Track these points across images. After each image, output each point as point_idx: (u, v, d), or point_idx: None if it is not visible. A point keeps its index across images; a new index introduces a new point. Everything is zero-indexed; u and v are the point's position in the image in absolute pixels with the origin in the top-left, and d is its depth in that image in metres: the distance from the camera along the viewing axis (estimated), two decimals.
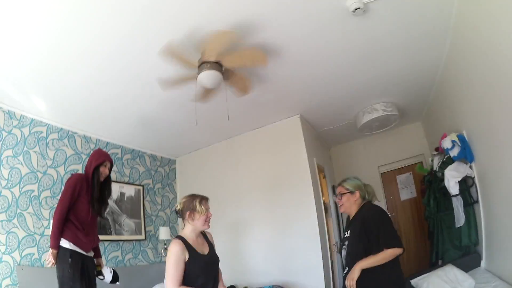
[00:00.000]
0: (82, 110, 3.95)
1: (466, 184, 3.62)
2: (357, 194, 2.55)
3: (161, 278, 4.72)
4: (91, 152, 4.32)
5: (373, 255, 2.25)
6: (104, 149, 4.58)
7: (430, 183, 4.35)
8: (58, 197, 3.68)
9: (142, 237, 4.93)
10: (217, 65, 3.11)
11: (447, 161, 3.86)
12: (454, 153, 3.66)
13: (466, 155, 3.50)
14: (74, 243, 2.79)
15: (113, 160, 4.70)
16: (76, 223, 2.86)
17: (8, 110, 3.69)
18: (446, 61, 3.80)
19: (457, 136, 3.62)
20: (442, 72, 4.06)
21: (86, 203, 2.94)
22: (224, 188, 5.36)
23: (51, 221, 3.48)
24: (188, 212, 2.37)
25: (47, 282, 3.34)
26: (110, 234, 4.45)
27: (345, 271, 2.43)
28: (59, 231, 2.75)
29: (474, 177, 3.47)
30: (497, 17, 2.36)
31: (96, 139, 4.62)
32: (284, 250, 4.65)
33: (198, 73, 3.13)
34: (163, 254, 5.08)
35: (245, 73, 3.40)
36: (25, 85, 3.36)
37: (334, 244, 5.18)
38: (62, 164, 4.09)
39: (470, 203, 3.60)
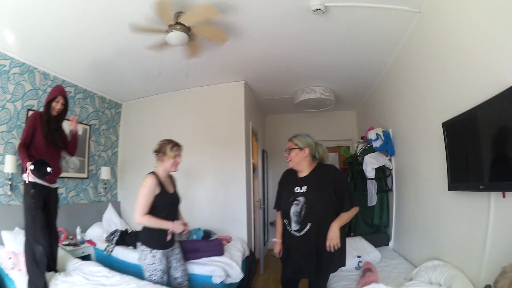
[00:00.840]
0: (48, 47, 3.72)
1: (384, 173, 4.16)
2: (306, 150, 2.48)
3: (99, 218, 4.85)
4: (47, 88, 4.21)
5: (344, 213, 2.36)
6: None
7: (351, 164, 4.86)
8: (14, 132, 3.77)
9: (85, 175, 4.88)
10: (184, 27, 3.13)
11: (368, 150, 4.38)
12: (376, 144, 4.16)
13: (388, 149, 4.02)
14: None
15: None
16: (36, 156, 2.98)
17: None
18: (388, 69, 4.22)
19: (383, 131, 4.11)
20: (382, 77, 4.51)
21: (41, 136, 3.05)
22: (165, 137, 5.33)
23: (7, 156, 3.58)
24: (160, 154, 2.72)
25: (0, 220, 3.39)
26: None
27: (298, 227, 2.42)
28: (24, 152, 2.92)
29: (391, 169, 4.00)
30: (436, 56, 2.80)
31: (54, 76, 4.35)
32: (219, 200, 4.92)
33: (167, 33, 3.15)
34: (102, 194, 5.11)
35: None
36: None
37: (257, 201, 5.64)
38: (20, 99, 3.87)
39: (385, 190, 4.17)
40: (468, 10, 2.25)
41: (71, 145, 3.45)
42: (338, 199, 2.39)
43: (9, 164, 3.53)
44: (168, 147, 2.72)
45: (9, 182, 3.57)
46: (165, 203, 2.65)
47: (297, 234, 2.42)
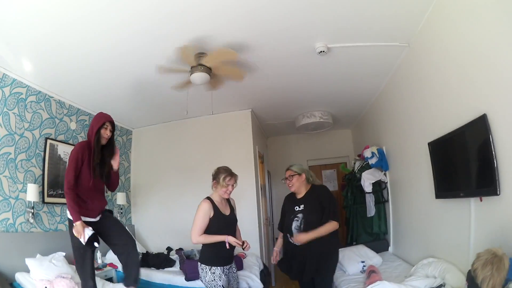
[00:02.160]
0: (65, 78, 3.88)
1: (380, 186, 4.58)
2: (303, 176, 2.93)
3: None
4: (63, 117, 4.28)
5: (321, 227, 2.72)
6: (74, 116, 4.53)
7: (350, 180, 5.28)
8: (33, 160, 3.76)
9: None
10: (206, 67, 3.48)
11: (365, 167, 4.81)
12: (372, 161, 4.59)
13: (382, 165, 4.44)
14: (81, 215, 2.78)
15: (81, 126, 4.64)
16: (79, 193, 2.81)
17: None
18: (380, 94, 4.68)
19: (377, 149, 4.54)
20: (375, 99, 4.97)
21: (87, 169, 2.84)
22: (176, 163, 5.69)
23: (29, 185, 3.56)
24: (214, 182, 2.86)
25: (22, 247, 3.42)
26: None
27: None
28: (74, 202, 2.72)
29: (387, 182, 4.43)
30: (421, 84, 3.24)
31: (69, 105, 4.46)
32: None
33: (191, 74, 3.50)
34: (118, 218, 5.26)
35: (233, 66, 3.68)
36: (19, 46, 3.15)
37: (266, 219, 5.94)
38: (38, 128, 3.93)
39: (382, 201, 4.59)
40: (449, 46, 2.65)
41: (113, 181, 3.19)
42: (323, 212, 2.80)
43: (31, 192, 3.56)
44: (222, 177, 2.80)
45: (31, 210, 3.62)
46: (220, 224, 2.76)
47: (298, 244, 2.79)
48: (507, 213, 2.05)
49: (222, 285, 2.71)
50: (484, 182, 2.22)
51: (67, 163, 2.98)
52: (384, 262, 3.87)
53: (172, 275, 4.14)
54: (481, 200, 2.29)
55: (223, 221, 2.79)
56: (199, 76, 3.50)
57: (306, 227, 2.79)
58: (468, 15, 2.36)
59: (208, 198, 2.84)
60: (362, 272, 3.71)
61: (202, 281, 2.79)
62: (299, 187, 2.95)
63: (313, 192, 2.95)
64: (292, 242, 2.86)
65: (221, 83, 3.98)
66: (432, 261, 2.93)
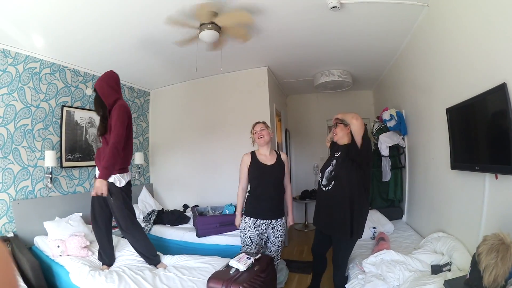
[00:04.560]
0: (77, 47, 3.81)
1: (398, 151, 4.34)
2: (349, 128, 2.74)
3: (133, 200, 5.01)
4: (79, 84, 4.34)
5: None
6: (90, 82, 4.56)
7: None
8: (50, 129, 3.90)
9: None
10: (215, 26, 3.30)
11: (383, 129, 4.54)
12: (390, 124, 4.32)
13: (401, 129, 4.17)
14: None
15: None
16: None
17: (3, 49, 3.45)
18: (400, 55, 4.29)
19: (396, 112, 4.25)
20: (396, 59, 4.56)
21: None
22: (193, 122, 5.66)
23: (46, 152, 3.71)
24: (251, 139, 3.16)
25: (41, 212, 3.58)
26: (92, 160, 4.61)
27: (326, 183, 2.72)
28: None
29: (405, 147, 4.17)
30: (442, 47, 2.92)
31: (84, 72, 4.50)
32: None
33: (200, 32, 3.34)
34: (136, 178, 5.41)
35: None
36: (26, 23, 3.09)
37: None
38: (54, 97, 4.01)
39: (399, 166, 4.36)
40: (469, 8, 2.36)
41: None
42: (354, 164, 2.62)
43: (49, 158, 3.69)
44: (252, 131, 3.14)
45: (50, 176, 3.76)
46: (256, 172, 2.94)
47: (323, 188, 2.75)
48: None
49: (250, 236, 2.91)
50: (500, 158, 1.98)
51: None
52: (396, 230, 3.75)
53: (184, 232, 4.22)
54: (496, 178, 2.08)
55: (259, 170, 2.95)
56: (210, 34, 3.33)
57: (335, 175, 2.67)
58: None
59: (251, 151, 3.09)
60: (372, 238, 3.62)
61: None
62: (342, 137, 2.80)
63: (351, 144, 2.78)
64: (321, 187, 2.78)
65: (223, 44, 3.76)
66: (441, 236, 2.78)
